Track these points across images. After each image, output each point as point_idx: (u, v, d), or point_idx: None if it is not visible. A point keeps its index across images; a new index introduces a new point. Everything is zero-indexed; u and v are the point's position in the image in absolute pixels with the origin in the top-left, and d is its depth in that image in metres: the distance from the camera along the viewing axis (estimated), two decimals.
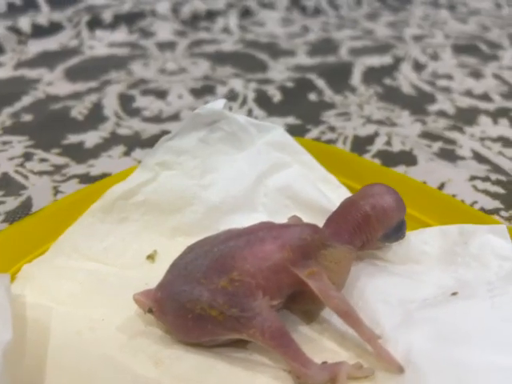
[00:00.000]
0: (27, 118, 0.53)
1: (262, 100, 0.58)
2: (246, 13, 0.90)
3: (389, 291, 0.28)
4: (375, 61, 0.70)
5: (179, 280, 0.25)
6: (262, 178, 0.36)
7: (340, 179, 0.37)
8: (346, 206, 0.29)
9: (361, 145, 0.48)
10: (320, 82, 0.63)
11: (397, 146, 0.48)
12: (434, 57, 0.73)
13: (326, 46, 0.78)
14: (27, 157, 0.45)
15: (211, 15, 0.87)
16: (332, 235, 0.27)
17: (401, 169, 0.44)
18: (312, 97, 0.59)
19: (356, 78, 0.65)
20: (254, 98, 0.59)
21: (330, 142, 0.49)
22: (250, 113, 0.55)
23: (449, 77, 0.66)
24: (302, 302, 0.26)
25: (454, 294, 0.27)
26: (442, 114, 0.55)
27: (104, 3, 0.84)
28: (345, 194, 0.35)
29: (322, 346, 0.26)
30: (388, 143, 0.48)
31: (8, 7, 0.78)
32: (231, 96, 0.59)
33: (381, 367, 0.24)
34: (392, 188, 0.29)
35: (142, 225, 0.34)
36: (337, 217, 0.28)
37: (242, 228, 0.27)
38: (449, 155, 0.46)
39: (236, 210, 0.34)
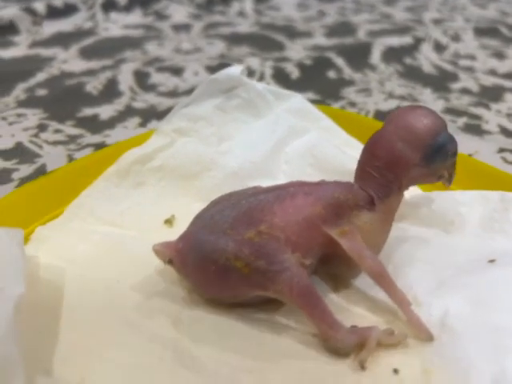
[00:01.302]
0: (42, 92, 0.52)
1: (280, 76, 0.57)
2: None
3: (423, 256, 0.26)
4: (395, 41, 0.69)
5: (204, 230, 0.23)
6: (282, 145, 0.35)
7: None
8: (368, 145, 0.25)
9: (383, 118, 0.46)
10: (339, 61, 0.62)
11: None
12: (455, 38, 0.71)
13: (343, 28, 0.76)
14: (42, 128, 0.44)
15: None
16: (364, 188, 0.25)
17: None
18: (331, 74, 0.58)
19: (375, 57, 0.63)
20: (272, 74, 0.57)
21: None
22: None
23: (471, 57, 0.64)
24: (333, 264, 0.25)
25: (492, 261, 0.25)
26: (465, 91, 0.53)
27: None
28: None
29: (349, 311, 0.24)
30: None
31: None
32: (248, 72, 0.58)
33: (412, 334, 0.22)
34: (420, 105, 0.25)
35: (159, 190, 0.32)
36: (362, 164, 0.25)
37: (270, 186, 0.25)
38: (475, 129, 0.45)
39: (255, 177, 0.33)
